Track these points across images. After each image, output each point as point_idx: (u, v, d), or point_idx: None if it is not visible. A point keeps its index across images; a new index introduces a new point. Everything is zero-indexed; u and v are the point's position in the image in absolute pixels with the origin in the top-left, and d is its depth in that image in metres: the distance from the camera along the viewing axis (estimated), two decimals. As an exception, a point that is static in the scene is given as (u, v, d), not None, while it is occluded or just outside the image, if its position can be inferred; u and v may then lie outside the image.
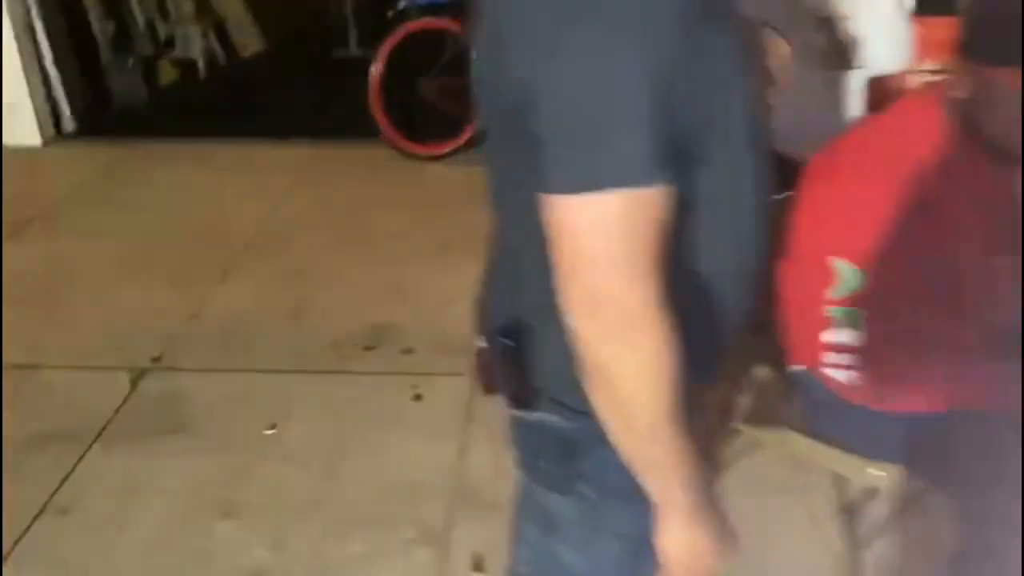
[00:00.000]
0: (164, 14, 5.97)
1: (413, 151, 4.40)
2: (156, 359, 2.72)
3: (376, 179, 4.21)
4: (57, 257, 3.41)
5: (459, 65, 4.62)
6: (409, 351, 2.77)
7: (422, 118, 4.42)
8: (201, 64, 5.96)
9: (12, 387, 2.57)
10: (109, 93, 5.21)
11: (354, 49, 6.65)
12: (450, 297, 3.09)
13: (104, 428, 2.39)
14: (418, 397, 2.54)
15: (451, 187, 4.11)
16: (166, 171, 4.30)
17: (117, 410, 2.47)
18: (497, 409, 2.39)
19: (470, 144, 4.36)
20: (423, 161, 4.37)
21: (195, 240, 3.55)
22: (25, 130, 4.56)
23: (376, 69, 4.31)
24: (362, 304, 3.06)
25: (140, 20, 5.67)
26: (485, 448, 2.34)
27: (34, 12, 4.54)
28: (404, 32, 4.30)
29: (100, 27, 5.29)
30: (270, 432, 2.39)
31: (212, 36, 6.13)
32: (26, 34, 4.51)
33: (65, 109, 4.75)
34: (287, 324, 2.93)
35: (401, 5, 7.41)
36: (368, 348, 2.78)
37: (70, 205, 3.91)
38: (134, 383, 2.59)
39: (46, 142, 4.63)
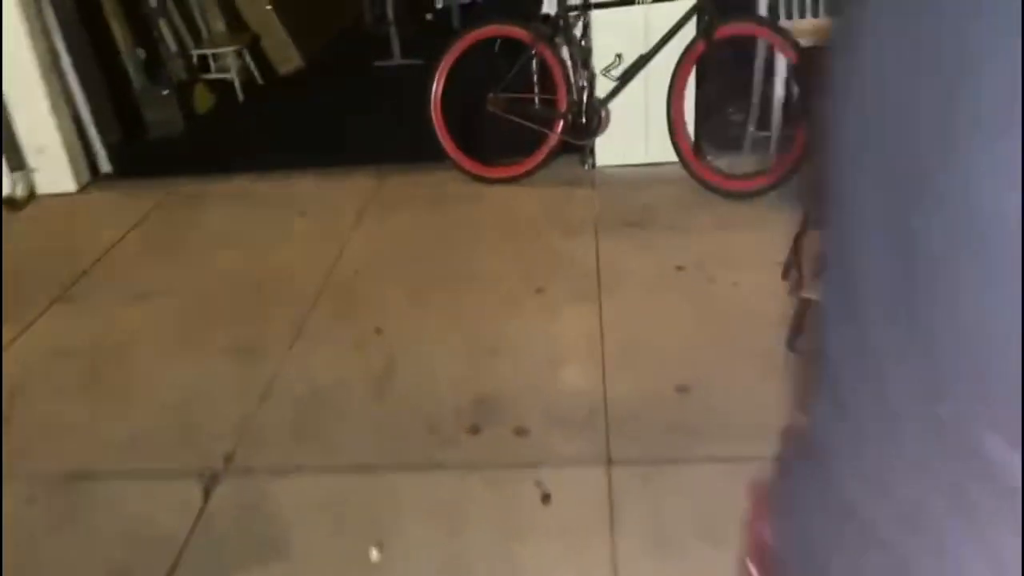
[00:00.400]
0: (196, 36, 5.60)
1: (484, 174, 3.97)
2: (228, 457, 2.31)
3: (447, 208, 3.78)
4: (104, 327, 3.03)
5: (527, 78, 4.18)
6: (523, 432, 2.34)
7: (491, 137, 3.98)
8: (238, 85, 5.58)
9: (62, 505, 2.18)
10: (143, 125, 4.85)
11: (398, 58, 6.27)
12: (554, 355, 2.66)
13: (178, 560, 1.99)
14: (546, 497, 2.11)
15: (530, 213, 3.69)
16: (214, 213, 3.91)
17: (191, 531, 2.07)
18: (648, 508, 1.87)
19: (544, 164, 3.92)
20: (495, 184, 3.94)
21: (256, 296, 3.15)
22: (59, 175, 4.19)
23: (436, 88, 3.88)
24: (456, 369, 2.63)
25: (171, 44, 5.30)
26: (641, 567, 1.91)
27: (59, 43, 4.16)
28: (464, 44, 3.85)
29: (130, 54, 4.92)
30: (376, 554, 1.97)
31: (247, 55, 5.74)
32: (52, 69, 4.13)
33: (100, 148, 4.38)
34: (374, 401, 2.52)
35: (438, 4, 7.04)
36: (473, 430, 2.35)
37: (114, 261, 3.52)
38: (207, 493, 2.18)
39: (82, 187, 4.27)
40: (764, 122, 3.90)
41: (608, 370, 2.54)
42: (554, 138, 3.86)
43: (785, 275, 2.97)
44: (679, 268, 3.11)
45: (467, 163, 3.98)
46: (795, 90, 3.39)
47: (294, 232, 3.65)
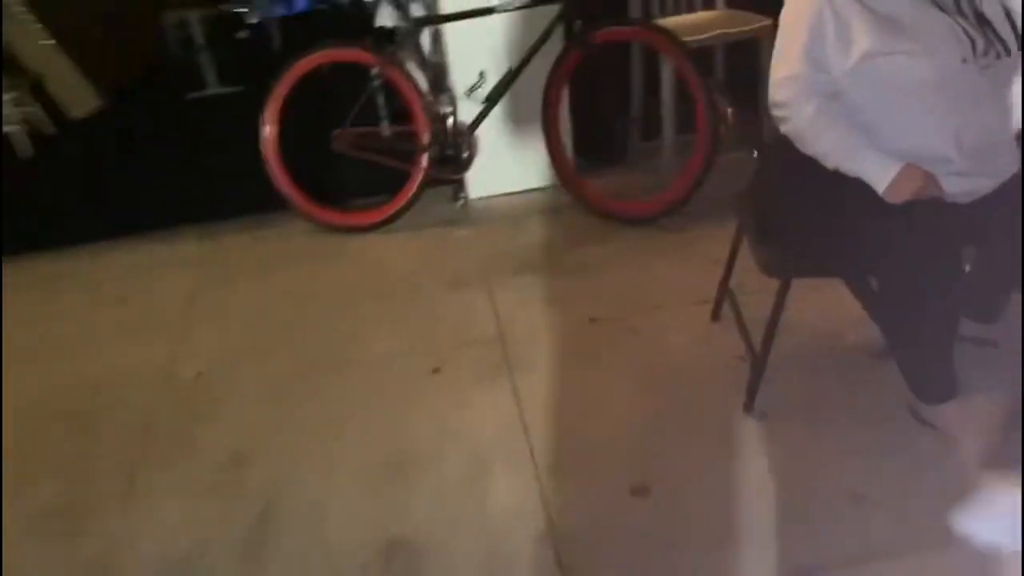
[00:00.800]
0: (-40, 84, 4.63)
1: (341, 223, 3.38)
2: None
3: (302, 270, 3.17)
4: None
5: (378, 107, 3.59)
6: (456, 589, 1.79)
7: (345, 178, 3.38)
8: (22, 139, 4.67)
9: None
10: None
11: (213, 86, 5.52)
12: (473, 463, 2.12)
13: None
14: None
15: (404, 266, 3.14)
16: (9, 309, 3.10)
17: None
18: None
19: (411, 205, 3.36)
20: (356, 234, 3.35)
21: (67, 431, 2.42)
22: None
23: (269, 129, 3.26)
24: (351, 502, 2.04)
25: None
26: None
27: None
28: (295, 74, 3.24)
29: None
30: None
31: (30, 101, 4.82)
32: None
33: None
34: (248, 569, 1.89)
35: (251, 20, 6.26)
36: (391, 597, 1.79)
37: None
38: None
39: None
40: (651, 132, 3.50)
41: (544, 477, 2.03)
42: (419, 174, 3.30)
43: (715, 315, 2.57)
44: (592, 320, 2.65)
45: (318, 212, 3.36)
46: (706, 93, 2.97)
47: (110, 328, 2.92)
